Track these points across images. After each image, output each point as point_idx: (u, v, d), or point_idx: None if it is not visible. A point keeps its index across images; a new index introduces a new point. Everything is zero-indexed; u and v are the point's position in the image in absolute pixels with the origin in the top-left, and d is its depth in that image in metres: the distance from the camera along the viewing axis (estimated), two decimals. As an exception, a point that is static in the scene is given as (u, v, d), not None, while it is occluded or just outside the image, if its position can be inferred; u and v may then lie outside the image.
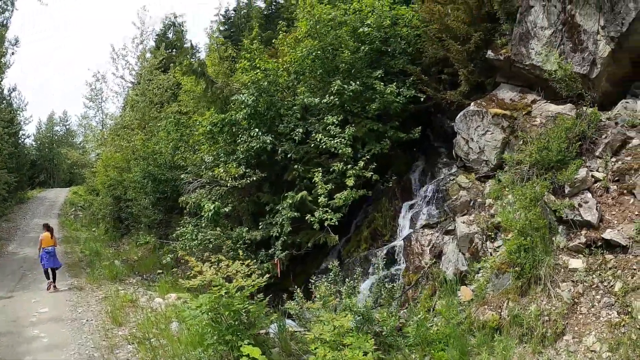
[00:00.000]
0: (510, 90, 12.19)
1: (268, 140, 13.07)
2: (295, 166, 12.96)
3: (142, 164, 19.55)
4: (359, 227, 13.76)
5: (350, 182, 11.71)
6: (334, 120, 12.67)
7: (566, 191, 8.98)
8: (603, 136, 9.47)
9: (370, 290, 9.74)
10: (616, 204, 8.44)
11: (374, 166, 12.31)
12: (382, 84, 12.90)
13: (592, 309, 7.31)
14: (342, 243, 13.53)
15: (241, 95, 13.69)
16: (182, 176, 16.40)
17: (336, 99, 12.87)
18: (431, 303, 9.41)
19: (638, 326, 6.72)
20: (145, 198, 20.09)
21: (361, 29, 13.56)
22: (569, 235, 8.47)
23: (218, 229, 13.02)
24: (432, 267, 10.30)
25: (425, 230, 11.17)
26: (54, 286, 14.60)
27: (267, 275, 8.04)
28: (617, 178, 8.76)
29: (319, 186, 11.88)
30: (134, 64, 25.50)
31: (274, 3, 25.96)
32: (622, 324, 6.84)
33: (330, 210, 11.80)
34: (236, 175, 13.21)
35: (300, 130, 12.90)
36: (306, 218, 11.93)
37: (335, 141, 12.31)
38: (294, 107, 13.58)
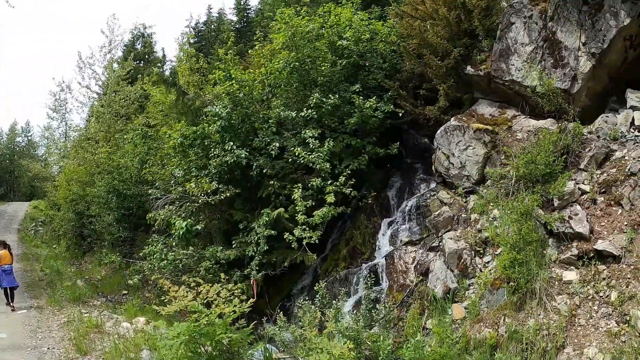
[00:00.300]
0: (489, 106, 11.89)
1: (243, 155, 12.28)
2: (271, 182, 12.20)
3: (107, 178, 18.29)
4: (336, 245, 13.06)
5: (330, 198, 11.06)
6: (313, 134, 12.03)
7: (555, 204, 8.77)
8: (587, 149, 9.34)
9: (356, 311, 9.07)
10: (604, 215, 8.35)
11: (352, 182, 11.71)
12: (360, 98, 12.39)
13: (591, 320, 7.18)
14: (318, 262, 12.79)
15: (215, 107, 12.90)
16: (149, 191, 15.36)
17: (314, 113, 12.26)
18: (420, 322, 8.84)
19: (638, 334, 6.56)
20: (110, 214, 18.79)
21: (339, 42, 13.04)
22: (560, 247, 8.28)
23: (191, 248, 12.08)
24: (418, 285, 9.74)
25: (409, 247, 10.63)
26: (12, 308, 13.32)
27: (252, 300, 7.22)
28: (603, 190, 8.65)
29: (298, 203, 11.18)
30: (100, 73, 24.16)
31: (246, 17, 25.21)
32: (622, 333, 6.77)
33: (308, 228, 11.08)
34: (209, 191, 12.33)
35: (277, 144, 12.18)
36: (285, 236, 11.15)
37: (313, 155, 11.65)
38: (269, 121, 12.86)
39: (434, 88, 12.61)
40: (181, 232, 12.05)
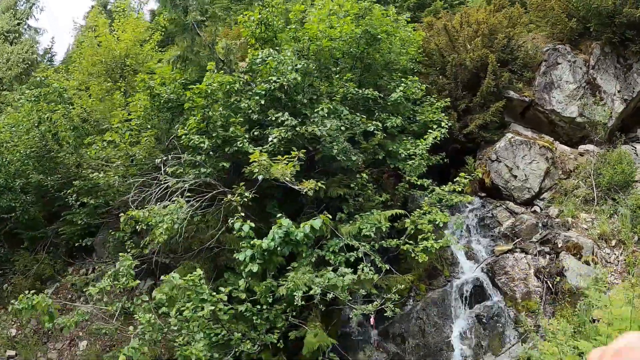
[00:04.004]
0: (524, 130, 11.85)
1: (337, 126, 8.32)
2: (358, 176, 8.77)
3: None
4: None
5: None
6: (397, 123, 9.50)
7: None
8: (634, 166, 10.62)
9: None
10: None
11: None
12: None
13: None
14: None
15: (278, 55, 8.60)
16: (114, 179, 9.22)
17: (401, 97, 9.68)
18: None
19: None
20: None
21: (404, 33, 10.89)
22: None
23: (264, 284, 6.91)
24: (556, 286, 8.52)
25: (516, 254, 9.25)
26: None
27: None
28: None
29: (425, 207, 8.37)
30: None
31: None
32: None
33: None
34: (287, 177, 7.86)
35: (379, 124, 9.01)
36: (404, 248, 7.99)
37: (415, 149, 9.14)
38: (336, 97, 9.39)
39: (468, 107, 11.75)
40: (265, 248, 6.33)
